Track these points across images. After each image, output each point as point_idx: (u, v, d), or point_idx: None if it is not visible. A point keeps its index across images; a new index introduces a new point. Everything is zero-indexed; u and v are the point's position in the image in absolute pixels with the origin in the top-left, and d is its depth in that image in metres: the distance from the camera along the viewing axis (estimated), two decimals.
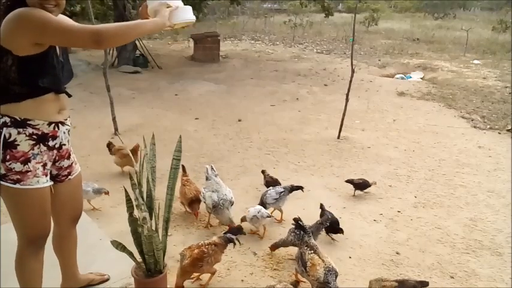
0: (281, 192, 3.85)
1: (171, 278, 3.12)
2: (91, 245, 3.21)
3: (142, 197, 2.39)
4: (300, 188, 4.03)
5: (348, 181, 4.50)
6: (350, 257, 3.46)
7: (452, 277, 3.28)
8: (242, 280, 3.15)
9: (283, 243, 3.31)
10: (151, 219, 2.43)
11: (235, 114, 7.19)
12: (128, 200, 2.49)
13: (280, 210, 3.91)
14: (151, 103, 7.76)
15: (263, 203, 3.80)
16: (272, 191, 3.85)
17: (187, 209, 4.00)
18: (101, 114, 6.69)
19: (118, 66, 10.61)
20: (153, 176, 2.50)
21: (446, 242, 3.75)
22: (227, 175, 4.83)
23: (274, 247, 3.38)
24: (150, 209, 2.49)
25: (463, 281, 3.24)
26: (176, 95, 8.43)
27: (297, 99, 8.32)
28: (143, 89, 8.75)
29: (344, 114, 6.07)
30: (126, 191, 2.50)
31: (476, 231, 3.96)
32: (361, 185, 4.47)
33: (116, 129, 6.19)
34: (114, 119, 6.17)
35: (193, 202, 3.85)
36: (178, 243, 3.60)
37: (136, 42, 10.97)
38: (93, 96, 8.00)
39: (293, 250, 3.34)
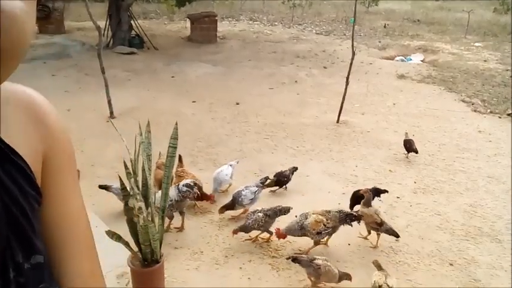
0: (256, 191, 3.69)
1: (168, 265, 3.10)
2: None
3: (137, 186, 2.32)
4: (269, 184, 3.98)
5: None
6: (349, 244, 3.44)
7: (451, 264, 3.26)
8: (240, 268, 3.12)
9: (245, 228, 3.27)
10: (147, 208, 2.37)
11: (233, 97, 7.07)
12: (123, 189, 2.43)
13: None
14: (148, 85, 7.62)
15: (236, 204, 3.61)
16: (247, 191, 3.63)
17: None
18: (96, 96, 6.56)
19: (113, 47, 10.39)
20: (149, 165, 2.43)
21: (445, 229, 3.73)
22: (225, 160, 4.75)
23: (236, 231, 3.31)
24: (146, 198, 2.43)
25: (462, 268, 3.22)
26: (173, 77, 8.28)
27: (296, 81, 8.19)
28: (139, 71, 8.59)
29: (344, 98, 5.97)
30: (120, 179, 2.43)
31: (475, 217, 3.93)
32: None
33: (111, 112, 6.08)
34: (109, 102, 6.05)
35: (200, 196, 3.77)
36: (175, 230, 3.56)
37: (132, 22, 10.72)
38: (88, 77, 7.83)
39: (291, 237, 3.31)
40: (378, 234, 3.36)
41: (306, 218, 3.19)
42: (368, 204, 3.38)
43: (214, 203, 3.93)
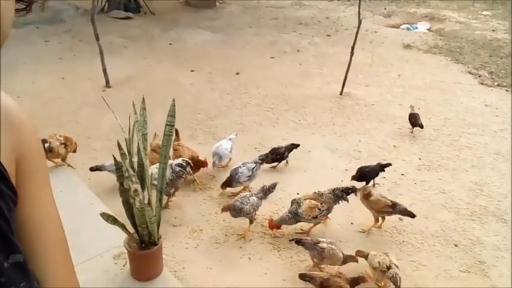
0: (253, 168, 3.54)
1: (167, 243, 3.02)
2: (81, 209, 3.07)
3: (132, 168, 2.19)
4: (267, 160, 3.80)
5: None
6: (352, 223, 3.36)
7: (456, 245, 3.20)
8: (240, 247, 3.05)
9: (240, 213, 3.08)
10: (143, 190, 2.25)
11: (233, 66, 6.83)
12: (118, 169, 2.29)
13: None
14: (144, 53, 7.34)
15: (234, 182, 3.49)
16: (243, 169, 3.49)
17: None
18: (91, 64, 6.32)
19: (108, 11, 9.97)
20: (144, 144, 2.29)
21: (450, 208, 3.64)
22: (225, 133, 4.60)
23: (225, 209, 3.14)
24: (142, 179, 2.31)
25: (467, 249, 3.16)
26: (170, 44, 7.98)
27: (298, 50, 7.91)
28: (135, 37, 8.27)
29: (348, 69, 5.75)
30: (115, 159, 2.29)
31: (481, 196, 3.84)
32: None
33: (107, 81, 5.86)
34: (104, 71, 5.82)
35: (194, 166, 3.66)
36: (174, 207, 3.47)
37: None
38: (83, 44, 7.53)
39: None
40: (383, 218, 3.26)
41: (299, 205, 3.07)
42: (368, 195, 3.21)
43: (213, 178, 3.83)
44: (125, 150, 2.17)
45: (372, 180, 3.80)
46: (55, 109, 5.22)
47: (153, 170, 3.36)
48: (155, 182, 3.29)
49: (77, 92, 5.73)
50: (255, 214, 3.16)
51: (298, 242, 2.78)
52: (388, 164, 3.87)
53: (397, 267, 2.66)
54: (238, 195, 3.15)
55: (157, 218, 2.37)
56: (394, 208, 3.17)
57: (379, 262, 2.67)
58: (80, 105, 5.34)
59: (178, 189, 3.44)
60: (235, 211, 3.05)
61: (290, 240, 2.88)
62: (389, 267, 2.63)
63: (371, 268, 2.73)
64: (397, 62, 7.54)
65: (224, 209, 3.11)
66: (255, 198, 3.08)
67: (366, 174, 3.73)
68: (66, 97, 5.57)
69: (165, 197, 3.27)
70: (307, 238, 2.82)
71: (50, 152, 3.58)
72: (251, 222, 3.12)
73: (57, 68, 6.49)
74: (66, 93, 5.69)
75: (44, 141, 3.57)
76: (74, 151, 3.89)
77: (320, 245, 2.69)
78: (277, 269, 2.87)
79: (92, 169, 3.50)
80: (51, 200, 0.77)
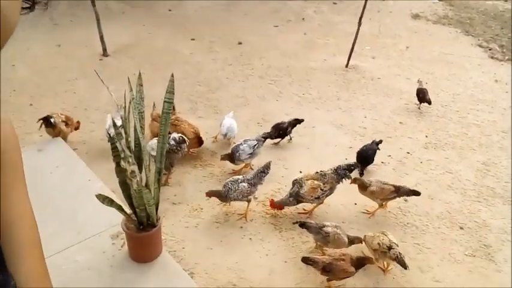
0: (255, 145, 3.43)
1: (166, 222, 2.95)
2: (79, 186, 2.98)
3: (129, 148, 2.07)
4: (270, 137, 3.65)
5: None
6: (355, 204, 3.27)
7: (461, 228, 3.13)
8: (241, 227, 2.98)
9: (225, 199, 2.99)
10: (140, 171, 2.14)
11: (235, 35, 6.58)
12: (114, 148, 2.17)
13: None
14: (143, 19, 7.06)
15: (235, 160, 3.38)
16: (245, 146, 3.38)
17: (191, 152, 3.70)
18: (88, 30, 6.06)
19: None
20: (141, 123, 2.16)
21: (457, 189, 3.55)
22: (226, 107, 4.47)
23: (209, 194, 3.03)
24: (140, 159, 2.19)
25: (472, 232, 3.09)
26: (170, 10, 7.67)
27: (303, 19, 7.60)
28: (133, 2, 7.93)
29: (355, 41, 5.52)
30: (110, 137, 2.17)
31: (488, 176, 3.74)
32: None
33: (104, 49, 5.65)
34: (101, 38, 5.60)
35: (196, 140, 3.54)
36: (173, 184, 3.38)
37: None
38: (80, 9, 7.23)
39: None
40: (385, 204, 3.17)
41: (301, 186, 2.97)
42: (365, 186, 3.08)
43: (214, 154, 3.73)
44: (121, 129, 2.04)
45: (358, 169, 3.47)
46: (51, 78, 5.05)
47: (152, 142, 3.27)
48: (153, 153, 3.21)
49: (74, 60, 5.54)
50: (254, 196, 3.05)
51: (302, 225, 2.70)
52: (380, 141, 3.75)
53: (397, 245, 2.60)
54: (229, 179, 3.00)
55: (156, 200, 2.27)
56: (399, 191, 3.07)
57: (379, 243, 2.60)
58: (76, 74, 5.16)
59: (173, 164, 3.36)
60: (221, 197, 2.96)
61: (294, 223, 2.80)
62: (390, 247, 2.56)
63: (371, 250, 2.67)
64: (405, 33, 7.27)
65: (208, 195, 2.99)
66: (245, 184, 2.93)
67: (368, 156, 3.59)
68: (62, 66, 5.38)
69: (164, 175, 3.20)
70: (312, 222, 2.73)
71: (53, 127, 3.55)
72: (249, 202, 3.04)
73: (53, 34, 6.25)
74: (62, 62, 5.50)
75: (48, 116, 3.53)
76: (76, 129, 3.82)
77: (325, 229, 2.61)
78: (279, 250, 2.81)
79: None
80: (23, 196, 0.77)
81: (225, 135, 3.71)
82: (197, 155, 3.71)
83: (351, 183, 3.15)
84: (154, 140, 3.21)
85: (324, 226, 2.63)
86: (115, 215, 2.52)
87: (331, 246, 2.65)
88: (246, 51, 6.03)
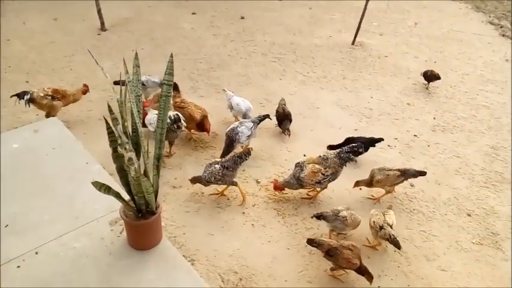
0: (251, 127, 3.34)
1: (166, 206, 2.88)
2: (76, 169, 2.88)
3: (126, 134, 1.95)
4: (267, 116, 3.53)
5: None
6: (360, 189, 3.18)
7: (469, 215, 3.05)
8: (243, 213, 2.90)
9: (200, 180, 2.92)
10: (138, 158, 2.04)
11: (237, 9, 6.35)
12: (111, 133, 2.06)
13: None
14: None
15: (234, 141, 3.27)
16: (243, 128, 3.28)
17: (192, 133, 3.59)
18: (85, 4, 5.85)
19: None
20: (139, 107, 2.04)
21: (464, 174, 3.46)
22: (228, 86, 4.32)
23: (194, 181, 2.95)
24: (137, 145, 2.08)
25: (480, 219, 3.01)
26: None
27: None
28: None
29: (362, 17, 5.30)
30: (107, 122, 2.05)
31: (497, 161, 3.64)
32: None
33: (102, 23, 5.46)
34: (99, 12, 5.40)
35: (204, 121, 3.44)
36: (174, 167, 3.29)
37: None
38: None
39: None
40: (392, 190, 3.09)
41: (302, 170, 2.88)
42: (370, 183, 2.99)
43: (216, 136, 3.62)
44: (117, 114, 1.93)
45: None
46: (47, 54, 4.88)
47: (151, 116, 3.18)
48: (151, 128, 3.12)
49: (71, 35, 5.35)
50: (233, 178, 2.91)
51: (319, 217, 2.63)
52: (380, 139, 3.42)
53: (391, 226, 2.54)
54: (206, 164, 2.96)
55: (155, 187, 2.18)
56: (405, 175, 2.99)
57: (374, 221, 2.59)
58: (73, 49, 5.00)
59: (172, 143, 3.33)
60: (203, 181, 2.91)
61: (311, 217, 2.69)
62: (381, 227, 2.52)
63: (370, 226, 2.65)
64: (414, 9, 7.02)
65: (192, 181, 2.95)
66: (217, 166, 2.85)
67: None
68: (59, 41, 5.21)
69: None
70: (327, 211, 2.65)
71: (32, 102, 3.48)
72: (236, 186, 2.94)
73: (49, 7, 6.03)
74: (59, 37, 5.32)
75: (23, 92, 3.47)
76: (84, 93, 3.75)
77: (341, 214, 2.56)
78: (281, 236, 2.74)
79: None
80: None
81: (245, 114, 3.63)
82: (198, 137, 3.60)
83: (353, 187, 3.08)
84: (153, 115, 3.12)
85: (339, 212, 2.58)
86: (113, 200, 2.43)
87: (348, 229, 2.61)
88: (248, 27, 5.83)
